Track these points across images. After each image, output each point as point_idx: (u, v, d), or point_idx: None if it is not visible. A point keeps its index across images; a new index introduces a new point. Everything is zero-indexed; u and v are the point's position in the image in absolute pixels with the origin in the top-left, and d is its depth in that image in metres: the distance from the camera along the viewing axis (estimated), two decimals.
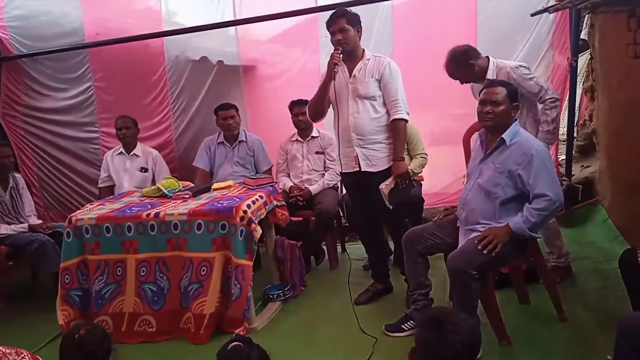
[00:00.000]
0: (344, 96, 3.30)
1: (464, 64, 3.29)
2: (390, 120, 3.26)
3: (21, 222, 4.12)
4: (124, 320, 3.32)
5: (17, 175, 4.37)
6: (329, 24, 3.24)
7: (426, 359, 1.68)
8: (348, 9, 3.33)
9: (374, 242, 3.66)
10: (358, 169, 3.33)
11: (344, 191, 4.33)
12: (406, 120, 3.26)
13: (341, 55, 3.19)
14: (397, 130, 3.26)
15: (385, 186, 3.20)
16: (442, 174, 4.16)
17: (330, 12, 4.33)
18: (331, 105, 3.39)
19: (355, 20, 3.25)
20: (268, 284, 3.73)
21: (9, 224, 4.06)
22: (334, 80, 3.21)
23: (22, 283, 4.39)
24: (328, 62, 3.19)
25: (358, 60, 3.30)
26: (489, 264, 2.66)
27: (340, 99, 3.30)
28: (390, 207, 3.23)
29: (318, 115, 3.46)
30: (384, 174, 3.27)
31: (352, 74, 3.28)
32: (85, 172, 5.06)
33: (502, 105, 2.74)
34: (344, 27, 3.20)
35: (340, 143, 3.36)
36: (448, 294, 3.04)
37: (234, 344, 1.77)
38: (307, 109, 3.52)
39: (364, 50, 3.33)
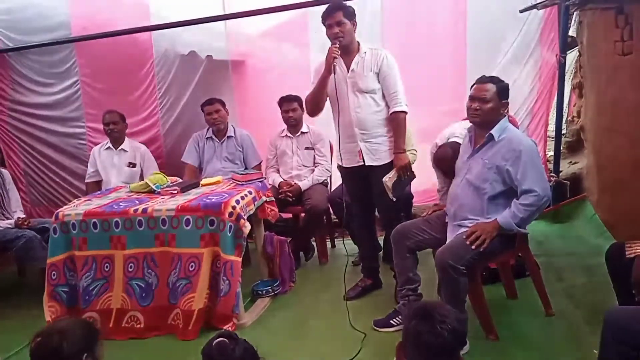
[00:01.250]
0: (344, 91, 3.27)
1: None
2: (390, 112, 3.25)
3: (7, 218, 4.08)
4: (112, 317, 3.30)
5: (3, 170, 4.32)
6: (325, 16, 3.19)
7: (415, 350, 1.69)
8: (343, 2, 3.29)
9: (367, 237, 3.64)
10: (362, 163, 3.32)
11: (333, 187, 4.35)
12: (406, 112, 3.25)
13: (338, 49, 3.14)
14: (397, 123, 3.25)
15: (389, 179, 3.20)
16: (431, 170, 4.15)
17: (321, 6, 4.34)
18: (328, 99, 3.35)
19: (351, 14, 3.21)
20: (257, 279, 3.72)
21: None
22: (334, 73, 3.17)
23: (9, 279, 4.35)
24: (326, 57, 3.15)
25: (354, 53, 3.26)
26: (477, 259, 2.67)
27: (340, 94, 3.26)
28: (394, 200, 3.24)
29: (316, 110, 3.41)
30: (386, 167, 3.27)
31: (350, 68, 3.25)
32: (71, 167, 5.02)
33: (489, 103, 2.74)
34: (341, 20, 3.15)
35: (341, 138, 3.33)
36: (436, 289, 3.05)
37: (218, 340, 1.75)
38: (304, 104, 3.47)
39: (359, 44, 3.29)
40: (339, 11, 3.17)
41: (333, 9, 3.19)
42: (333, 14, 3.17)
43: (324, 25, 3.22)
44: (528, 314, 3.04)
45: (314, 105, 3.39)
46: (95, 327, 1.94)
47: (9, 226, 3.99)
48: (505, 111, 2.82)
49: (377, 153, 3.30)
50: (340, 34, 3.16)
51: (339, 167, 3.55)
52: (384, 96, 3.26)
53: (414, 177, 3.40)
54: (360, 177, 3.39)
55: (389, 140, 3.29)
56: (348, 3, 3.44)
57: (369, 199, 3.46)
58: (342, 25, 3.16)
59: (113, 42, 4.61)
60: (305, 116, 4.37)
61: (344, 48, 3.22)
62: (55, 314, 3.35)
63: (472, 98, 2.81)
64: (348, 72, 3.26)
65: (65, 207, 3.60)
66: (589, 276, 3.39)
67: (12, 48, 4.76)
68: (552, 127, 4.74)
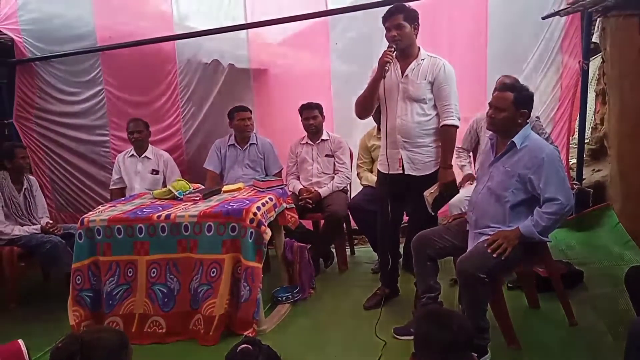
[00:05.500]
0: (394, 96, 3.19)
1: None
2: (441, 125, 3.16)
3: (34, 224, 4.16)
4: (135, 321, 3.34)
5: (31, 177, 4.42)
6: (385, 19, 3.11)
7: (429, 353, 1.70)
8: (405, 4, 3.19)
9: (390, 247, 3.55)
10: (402, 171, 3.25)
11: (353, 195, 4.35)
12: (457, 126, 3.16)
13: (394, 52, 3.08)
14: (446, 137, 3.16)
15: (430, 194, 3.14)
16: None
17: (342, 15, 4.40)
18: (379, 103, 3.28)
19: (412, 17, 3.11)
20: (277, 286, 3.74)
21: (22, 225, 4.10)
22: (384, 78, 3.10)
23: (34, 284, 4.43)
24: (379, 59, 3.07)
25: (412, 58, 3.18)
26: (499, 267, 2.65)
27: (389, 99, 3.19)
28: (433, 214, 3.20)
29: (365, 112, 3.34)
30: (427, 179, 3.19)
31: (405, 74, 3.17)
32: (95, 174, 5.11)
33: (504, 112, 2.71)
34: (400, 23, 3.06)
35: (387, 144, 3.26)
36: (457, 298, 3.03)
37: (242, 346, 1.77)
38: (354, 106, 3.34)
39: (419, 48, 3.21)
40: (400, 14, 3.08)
41: (394, 11, 3.09)
42: (393, 17, 3.08)
43: (384, 26, 3.13)
44: (550, 323, 3.01)
45: (363, 108, 3.30)
46: (126, 347, 1.83)
47: (35, 231, 4.07)
48: (527, 120, 2.79)
49: (417, 163, 3.21)
50: (398, 38, 3.07)
51: (379, 173, 3.45)
52: (435, 106, 3.17)
53: (457, 192, 3.32)
54: (397, 186, 3.29)
55: (433, 152, 3.20)
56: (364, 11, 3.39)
57: (401, 208, 3.42)
58: (401, 28, 3.07)
59: (137, 51, 4.70)
60: (326, 123, 4.42)
61: (402, 52, 3.14)
62: (79, 318, 3.40)
63: (490, 104, 2.81)
64: (402, 77, 3.18)
65: (90, 213, 3.65)
66: (613, 285, 3.34)
67: (38, 57, 4.87)
68: (575, 134, 4.69)
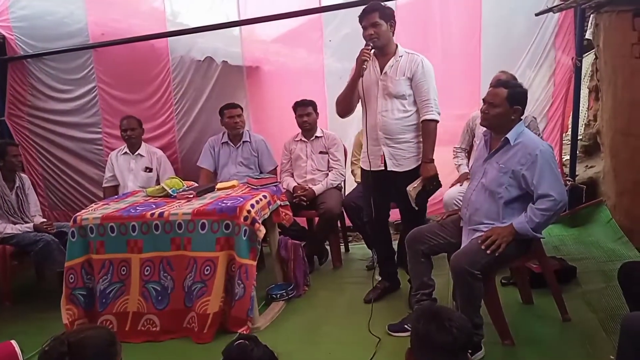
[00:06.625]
0: (373, 93, 3.22)
1: None
2: (421, 120, 3.19)
3: (26, 222, 4.13)
4: (128, 320, 3.33)
5: (23, 175, 4.40)
6: (361, 17, 3.15)
7: (426, 351, 1.70)
8: (380, 3, 3.22)
9: (383, 240, 3.59)
10: (384, 168, 3.28)
11: (347, 192, 4.35)
12: (437, 121, 3.18)
13: (372, 51, 3.12)
14: (427, 131, 3.19)
15: (413, 189, 3.16)
16: (444, 174, 4.14)
17: (334, 11, 4.39)
18: (360, 101, 3.31)
19: (388, 15, 3.15)
20: (271, 283, 3.74)
21: (15, 223, 4.08)
22: (362, 77, 3.14)
23: (27, 282, 4.40)
24: (357, 58, 3.11)
25: (390, 56, 3.21)
26: (493, 264, 2.65)
27: (369, 96, 3.22)
28: (417, 208, 3.22)
29: (346, 111, 3.36)
30: (410, 175, 3.22)
31: (384, 71, 3.20)
32: (88, 172, 5.09)
33: (497, 108, 2.72)
34: (376, 21, 3.10)
35: (368, 141, 3.30)
36: (451, 294, 3.03)
37: (240, 341, 1.78)
38: (335, 104, 3.38)
39: (397, 46, 3.24)
40: (375, 12, 3.11)
41: (369, 10, 3.13)
42: (369, 15, 3.12)
43: (360, 25, 3.16)
44: (544, 319, 3.02)
45: (344, 107, 3.33)
46: (114, 344, 1.75)
47: (28, 230, 4.05)
48: (520, 116, 2.80)
49: (399, 159, 3.24)
50: (375, 36, 3.11)
51: (362, 170, 3.48)
52: (415, 102, 3.20)
53: (440, 187, 3.34)
54: (380, 182, 3.32)
55: (415, 147, 3.24)
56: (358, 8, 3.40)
57: (386, 204, 3.43)
58: (377, 26, 3.11)
59: (130, 48, 4.68)
60: (319, 120, 4.41)
61: (380, 49, 3.18)
62: (73, 317, 3.39)
63: (484, 100, 2.82)
64: (381, 74, 3.21)
65: (83, 211, 3.63)
66: (606, 281, 3.35)
67: (30, 55, 4.84)
68: (568, 130, 4.70)
